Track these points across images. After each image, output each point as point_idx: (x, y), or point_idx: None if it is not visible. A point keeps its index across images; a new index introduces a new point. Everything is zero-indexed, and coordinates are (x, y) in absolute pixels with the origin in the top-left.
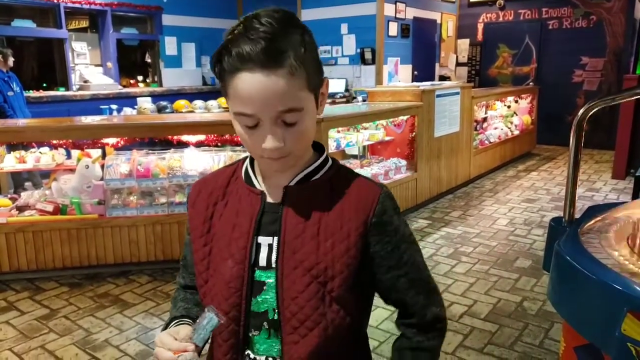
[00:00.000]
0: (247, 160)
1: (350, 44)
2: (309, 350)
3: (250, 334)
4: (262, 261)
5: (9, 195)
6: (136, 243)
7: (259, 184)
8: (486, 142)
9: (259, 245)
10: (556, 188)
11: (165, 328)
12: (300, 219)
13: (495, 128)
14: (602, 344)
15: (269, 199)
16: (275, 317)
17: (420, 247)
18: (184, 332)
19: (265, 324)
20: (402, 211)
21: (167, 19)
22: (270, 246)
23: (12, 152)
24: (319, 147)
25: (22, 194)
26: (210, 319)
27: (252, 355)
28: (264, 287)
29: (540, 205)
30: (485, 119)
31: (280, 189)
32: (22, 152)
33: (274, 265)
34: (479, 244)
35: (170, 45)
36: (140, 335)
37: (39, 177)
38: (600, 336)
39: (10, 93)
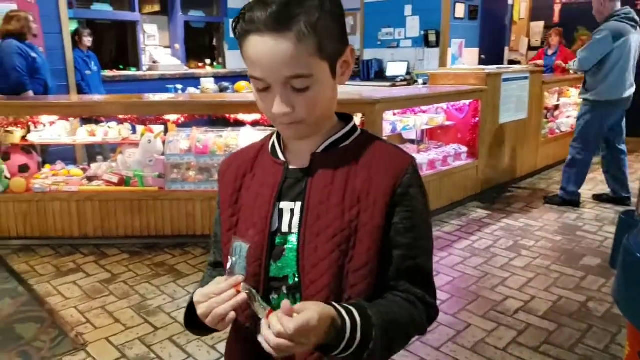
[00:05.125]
0: (275, 133)
1: (413, 25)
2: None
3: (270, 297)
4: (285, 227)
5: (81, 166)
6: (192, 216)
7: (282, 155)
8: (557, 131)
9: (281, 211)
10: (636, 183)
11: (188, 309)
12: (326, 185)
13: (568, 117)
14: None
15: (294, 166)
16: (296, 280)
17: (478, 237)
18: (220, 278)
19: (284, 288)
20: (461, 200)
21: (232, 1)
22: (292, 211)
23: (84, 126)
24: (347, 118)
25: (92, 165)
26: (240, 247)
27: None
28: (284, 253)
29: None
30: (557, 107)
31: (306, 156)
32: (93, 126)
33: (294, 231)
34: (541, 237)
35: None
36: None
37: (109, 151)
38: None
39: (87, 72)
